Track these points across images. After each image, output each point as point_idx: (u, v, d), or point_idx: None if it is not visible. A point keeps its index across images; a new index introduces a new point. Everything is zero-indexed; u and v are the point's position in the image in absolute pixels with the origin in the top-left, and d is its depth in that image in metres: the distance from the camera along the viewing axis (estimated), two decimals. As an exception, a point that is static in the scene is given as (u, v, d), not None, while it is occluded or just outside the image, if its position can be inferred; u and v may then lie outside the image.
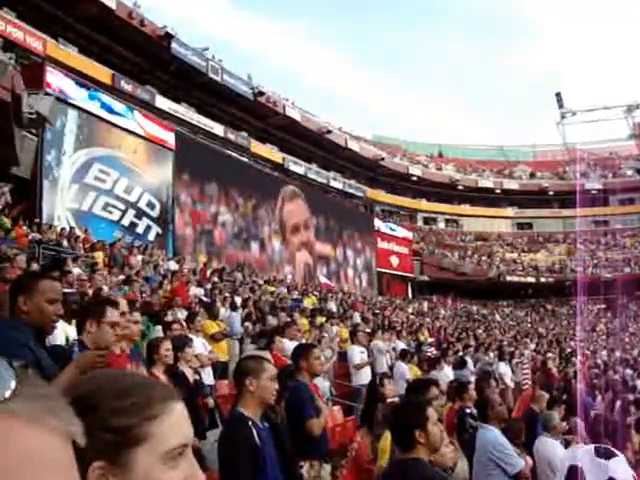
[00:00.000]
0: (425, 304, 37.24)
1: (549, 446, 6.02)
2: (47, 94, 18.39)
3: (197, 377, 6.59)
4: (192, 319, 8.87)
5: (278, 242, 32.36)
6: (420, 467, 3.19)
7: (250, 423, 3.50)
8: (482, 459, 5.04)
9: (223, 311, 12.63)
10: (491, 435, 5.21)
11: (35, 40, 22.75)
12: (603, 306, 41.92)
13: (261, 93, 35.86)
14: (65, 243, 15.55)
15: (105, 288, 10.37)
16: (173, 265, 17.83)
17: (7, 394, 0.62)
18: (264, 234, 31.38)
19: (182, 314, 9.96)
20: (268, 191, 32.15)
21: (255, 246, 30.50)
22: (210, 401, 6.50)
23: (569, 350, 22.27)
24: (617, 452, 1.96)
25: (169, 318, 9.26)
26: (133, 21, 28.12)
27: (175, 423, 0.97)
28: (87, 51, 27.12)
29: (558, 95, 48.97)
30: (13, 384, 0.63)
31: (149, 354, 5.43)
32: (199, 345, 8.49)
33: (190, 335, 8.16)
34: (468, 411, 6.36)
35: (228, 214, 28.73)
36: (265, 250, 31.31)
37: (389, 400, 6.67)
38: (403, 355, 12.21)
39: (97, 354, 3.01)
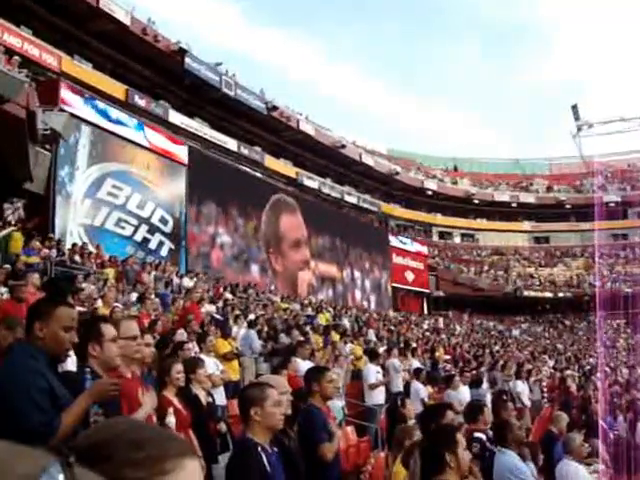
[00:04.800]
0: (441, 320, 36.99)
1: (572, 469, 5.85)
2: (61, 110, 18.47)
3: (210, 399, 6.45)
4: (203, 339, 8.74)
5: (279, 263, 31.21)
6: None
7: (259, 449, 3.48)
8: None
9: (236, 329, 12.51)
10: (509, 460, 5.10)
11: (50, 57, 23.03)
12: (623, 321, 41.37)
13: (275, 108, 35.96)
14: (77, 259, 15.53)
15: (119, 306, 10.30)
16: (187, 282, 17.73)
17: None
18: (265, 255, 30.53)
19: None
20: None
21: (255, 268, 29.73)
22: (222, 426, 6.34)
23: (588, 367, 21.96)
24: None
25: (181, 338, 9.14)
26: (147, 37, 28.38)
27: None
28: (101, 67, 27.46)
29: (574, 107, 48.70)
30: None
31: (160, 376, 5.37)
32: (211, 365, 8.37)
33: (202, 355, 8.07)
34: (478, 435, 6.13)
35: (227, 235, 28.02)
36: (266, 272, 30.43)
37: (410, 422, 6.52)
38: (418, 374, 12.02)
39: (111, 382, 2.99)
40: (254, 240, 29.78)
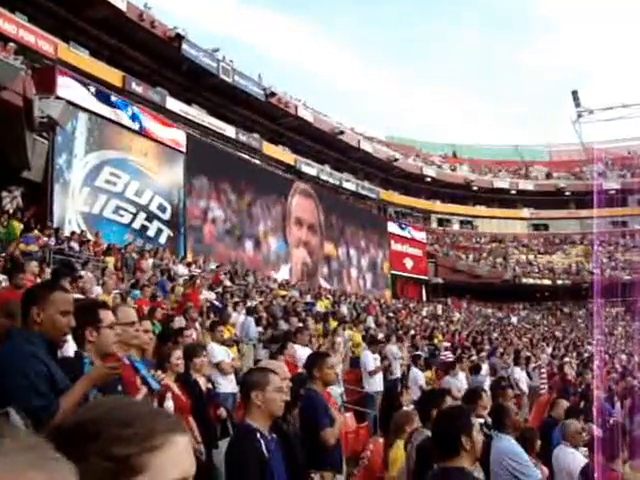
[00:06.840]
0: (439, 307, 37.01)
1: (569, 456, 5.85)
2: (58, 98, 18.39)
3: (210, 386, 6.46)
4: (213, 328, 8.72)
5: (275, 239, 31.68)
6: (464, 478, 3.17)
7: (258, 435, 3.49)
8: (497, 469, 4.91)
9: (235, 316, 12.51)
10: (506, 444, 5.09)
11: (46, 43, 22.85)
12: (622, 309, 41.41)
13: (273, 94, 35.76)
14: (76, 247, 15.53)
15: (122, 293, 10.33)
16: (182, 269, 17.72)
17: None
18: (259, 232, 30.68)
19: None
20: (273, 189, 31.91)
21: (249, 244, 29.77)
22: (222, 412, 6.35)
23: (587, 355, 21.98)
24: None
25: (179, 324, 9.14)
26: (143, 23, 28.09)
27: (176, 456, 0.94)
28: (98, 53, 27.20)
29: (574, 93, 48.61)
30: None
31: (160, 363, 5.36)
32: (221, 352, 8.41)
33: (212, 343, 8.20)
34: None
35: (219, 210, 28.02)
36: (260, 249, 30.55)
37: (405, 408, 6.53)
38: (416, 361, 12.04)
39: (110, 367, 2.98)
40: (247, 216, 29.84)
